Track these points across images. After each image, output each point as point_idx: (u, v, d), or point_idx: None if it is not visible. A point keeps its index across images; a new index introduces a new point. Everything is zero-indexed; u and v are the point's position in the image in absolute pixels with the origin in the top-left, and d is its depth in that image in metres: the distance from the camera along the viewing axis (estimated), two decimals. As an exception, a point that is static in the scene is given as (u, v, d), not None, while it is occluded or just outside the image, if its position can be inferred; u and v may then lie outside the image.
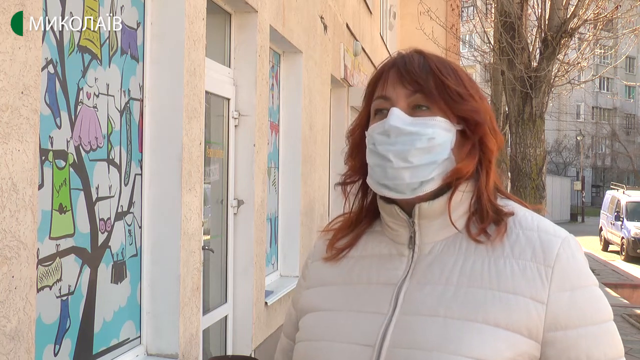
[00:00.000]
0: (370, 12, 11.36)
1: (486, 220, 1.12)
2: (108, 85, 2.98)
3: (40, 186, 2.42)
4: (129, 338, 3.20)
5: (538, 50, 7.96)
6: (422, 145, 1.08)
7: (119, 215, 3.08)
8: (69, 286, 2.68)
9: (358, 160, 1.19)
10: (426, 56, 1.13)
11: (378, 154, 1.10)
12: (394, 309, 1.09)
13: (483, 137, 1.12)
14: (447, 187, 1.12)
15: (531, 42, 8.22)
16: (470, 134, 1.12)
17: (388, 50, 13.65)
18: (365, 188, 1.21)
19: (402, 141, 1.08)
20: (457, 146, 1.11)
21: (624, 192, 23.09)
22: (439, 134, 1.09)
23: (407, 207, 1.13)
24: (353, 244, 1.21)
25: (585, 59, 9.52)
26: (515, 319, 1.03)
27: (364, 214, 1.23)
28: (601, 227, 23.53)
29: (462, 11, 18.72)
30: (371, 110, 1.16)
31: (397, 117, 1.09)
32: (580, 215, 37.40)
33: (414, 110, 1.11)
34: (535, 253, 1.08)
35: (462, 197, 1.13)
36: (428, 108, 1.10)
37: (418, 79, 1.10)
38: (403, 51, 1.17)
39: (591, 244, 22.30)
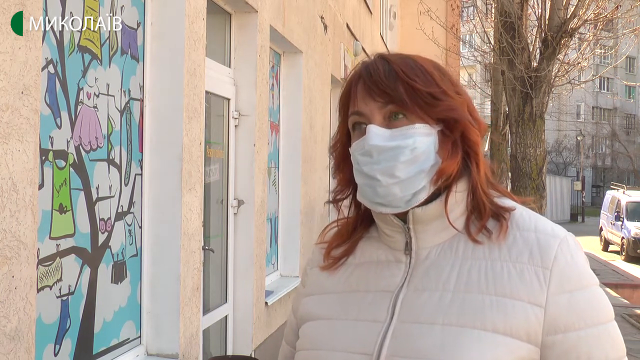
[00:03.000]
0: (371, 12, 11.36)
1: (484, 215, 1.10)
2: (108, 85, 2.98)
3: (41, 186, 2.42)
4: (129, 338, 3.20)
5: (538, 50, 7.96)
6: (406, 157, 1.05)
7: (119, 215, 3.08)
8: (69, 286, 2.68)
9: (346, 172, 1.17)
10: (390, 61, 1.10)
11: (365, 174, 1.08)
12: (391, 317, 1.07)
13: (464, 132, 1.10)
14: (441, 189, 1.10)
15: (531, 42, 8.23)
16: (450, 132, 1.09)
17: (388, 50, 13.63)
18: None
19: (385, 158, 1.06)
20: (441, 147, 1.09)
21: (624, 192, 23.09)
22: (420, 141, 1.06)
23: (401, 213, 1.11)
24: (350, 252, 1.20)
25: (586, 59, 9.52)
26: (514, 324, 1.02)
27: (360, 221, 1.21)
28: (601, 227, 23.53)
29: (462, 11, 18.70)
30: (349, 125, 1.14)
31: (376, 134, 1.06)
32: (581, 215, 37.41)
33: (390, 120, 1.08)
34: (532, 255, 1.06)
35: (457, 198, 1.11)
36: (404, 116, 1.08)
37: (386, 89, 1.07)
38: (367, 60, 1.14)
39: (591, 244, 22.29)
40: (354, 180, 1.15)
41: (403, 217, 1.11)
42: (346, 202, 1.22)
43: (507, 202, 1.13)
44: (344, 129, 1.17)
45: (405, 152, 1.06)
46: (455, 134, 1.09)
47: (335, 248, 1.21)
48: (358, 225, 1.21)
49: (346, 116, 1.15)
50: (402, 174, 1.05)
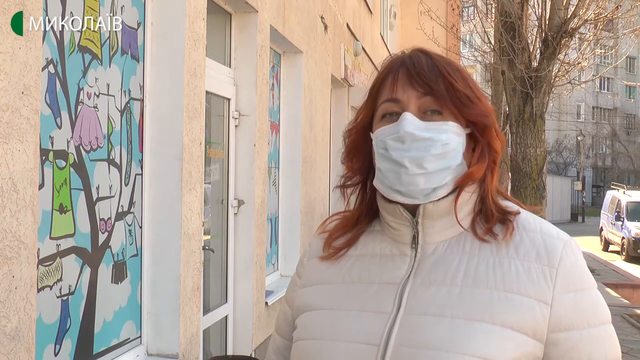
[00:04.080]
0: (371, 12, 11.36)
1: (492, 220, 1.12)
2: (108, 85, 2.98)
3: (41, 186, 2.42)
4: (129, 338, 3.20)
5: (538, 50, 7.96)
6: (437, 151, 1.07)
7: (120, 215, 3.08)
8: (70, 286, 2.68)
9: (357, 161, 1.19)
10: (432, 57, 1.12)
11: (392, 160, 1.09)
12: (398, 309, 1.08)
13: (490, 140, 1.13)
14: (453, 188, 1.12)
15: (531, 42, 8.22)
16: (480, 137, 1.12)
17: (388, 50, 13.66)
18: (364, 188, 1.20)
19: (416, 147, 1.07)
20: (466, 149, 1.12)
21: (624, 192, 23.07)
22: (452, 139, 1.09)
23: (410, 206, 1.12)
24: (352, 243, 1.20)
25: (586, 59, 9.51)
26: (522, 320, 1.04)
27: (364, 214, 1.22)
28: (601, 227, 23.52)
29: (463, 11, 18.70)
30: (377, 112, 1.14)
31: (411, 122, 1.08)
32: (581, 216, 37.42)
33: (425, 114, 1.10)
34: (539, 255, 1.08)
35: (467, 198, 1.13)
36: (439, 113, 1.10)
37: (429, 82, 1.09)
38: (407, 51, 1.16)
39: (591, 244, 22.29)
40: (363, 169, 1.17)
41: (411, 210, 1.12)
42: (351, 191, 1.22)
43: (513, 207, 1.16)
44: (368, 115, 1.17)
45: (437, 146, 1.08)
46: (483, 140, 1.13)
47: (336, 239, 1.22)
48: (362, 218, 1.22)
49: (374, 102, 1.15)
50: (430, 166, 1.07)
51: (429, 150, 1.07)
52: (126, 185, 3.15)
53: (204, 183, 3.76)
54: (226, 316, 4.65)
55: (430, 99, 1.10)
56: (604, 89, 52.61)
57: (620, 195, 22.74)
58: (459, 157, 1.10)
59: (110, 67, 2.99)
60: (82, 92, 2.75)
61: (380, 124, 1.13)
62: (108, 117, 2.98)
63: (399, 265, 1.13)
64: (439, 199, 1.11)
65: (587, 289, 1.09)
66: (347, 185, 1.21)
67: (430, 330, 1.04)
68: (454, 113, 1.10)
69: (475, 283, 1.07)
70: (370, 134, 1.15)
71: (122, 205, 3.11)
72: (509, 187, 8.30)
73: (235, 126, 4.71)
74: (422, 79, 1.09)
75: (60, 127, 2.59)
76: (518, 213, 1.14)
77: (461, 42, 14.58)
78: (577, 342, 1.06)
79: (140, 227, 3.29)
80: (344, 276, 1.17)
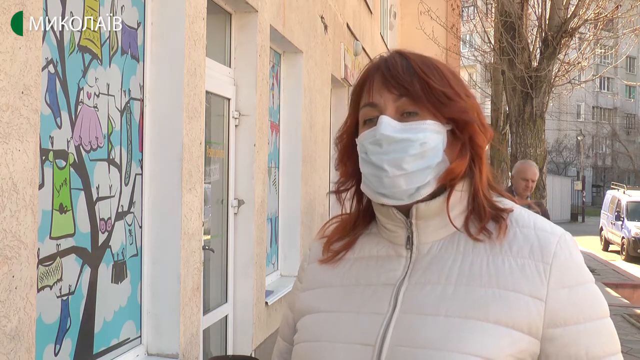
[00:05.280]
0: (371, 12, 11.36)
1: (484, 218, 1.12)
2: (108, 85, 2.98)
3: (41, 186, 2.42)
4: (129, 338, 3.20)
5: (538, 50, 7.97)
6: (415, 151, 1.08)
7: (120, 215, 3.08)
8: (70, 286, 2.68)
9: (349, 165, 1.20)
10: (408, 58, 1.13)
11: (372, 163, 1.10)
12: (393, 309, 1.09)
13: (472, 135, 1.12)
14: (444, 187, 1.12)
15: (531, 41, 8.23)
16: (460, 134, 1.12)
17: (388, 50, 13.64)
18: (359, 191, 1.21)
19: (394, 149, 1.08)
20: (448, 146, 1.11)
21: (624, 192, 23.07)
22: (430, 137, 1.09)
23: (404, 208, 1.13)
24: (350, 246, 1.21)
25: (586, 58, 9.51)
26: (516, 316, 1.04)
27: (360, 217, 1.23)
28: (601, 227, 23.52)
29: (463, 11, 18.69)
30: (359, 118, 1.16)
31: (387, 124, 1.08)
32: (581, 215, 37.42)
33: (402, 115, 1.10)
34: (533, 250, 1.08)
35: (458, 197, 1.13)
36: (417, 113, 1.10)
37: (404, 83, 1.09)
38: (384, 54, 1.17)
39: (591, 243, 22.29)
40: (356, 174, 1.18)
41: (405, 212, 1.13)
42: (347, 196, 1.23)
43: (506, 203, 1.16)
44: (353, 120, 1.18)
45: (414, 146, 1.08)
46: (464, 136, 1.12)
47: (335, 242, 1.23)
48: (359, 221, 1.23)
49: (357, 108, 1.17)
50: (410, 167, 1.08)
51: (407, 151, 1.07)
52: (126, 185, 3.15)
53: (204, 183, 3.76)
54: (226, 316, 4.65)
55: (406, 100, 1.10)
56: (604, 89, 52.61)
57: (620, 195, 22.74)
58: (439, 155, 1.10)
59: (110, 67, 2.99)
60: (82, 92, 2.75)
61: (362, 129, 1.14)
62: (108, 117, 2.98)
63: (395, 266, 1.14)
64: (431, 199, 1.11)
65: (582, 283, 1.09)
66: (341, 190, 1.22)
67: (425, 329, 1.05)
68: (432, 112, 1.10)
69: (470, 281, 1.07)
70: (355, 139, 1.16)
71: (122, 205, 3.11)
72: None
73: (235, 126, 4.71)
74: (396, 81, 1.10)
75: (60, 127, 2.59)
76: (511, 210, 1.14)
77: (461, 42, 14.58)
78: (574, 337, 1.06)
79: (140, 227, 3.29)
80: (343, 279, 1.18)
